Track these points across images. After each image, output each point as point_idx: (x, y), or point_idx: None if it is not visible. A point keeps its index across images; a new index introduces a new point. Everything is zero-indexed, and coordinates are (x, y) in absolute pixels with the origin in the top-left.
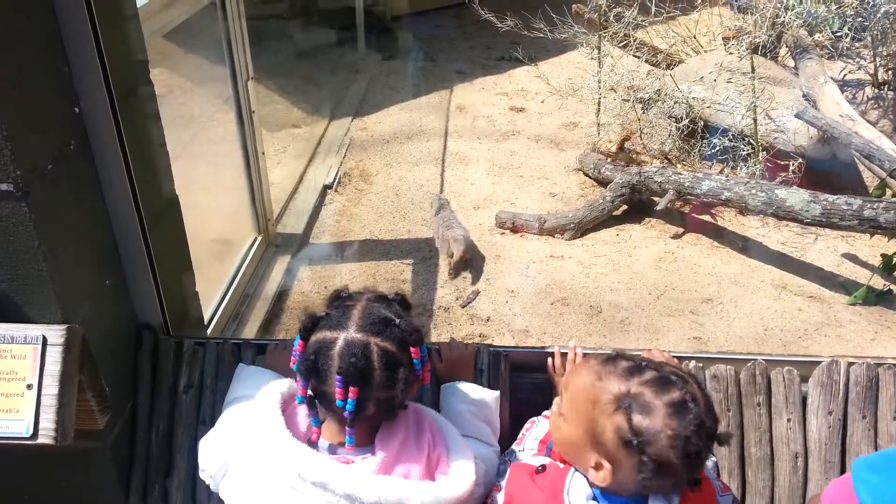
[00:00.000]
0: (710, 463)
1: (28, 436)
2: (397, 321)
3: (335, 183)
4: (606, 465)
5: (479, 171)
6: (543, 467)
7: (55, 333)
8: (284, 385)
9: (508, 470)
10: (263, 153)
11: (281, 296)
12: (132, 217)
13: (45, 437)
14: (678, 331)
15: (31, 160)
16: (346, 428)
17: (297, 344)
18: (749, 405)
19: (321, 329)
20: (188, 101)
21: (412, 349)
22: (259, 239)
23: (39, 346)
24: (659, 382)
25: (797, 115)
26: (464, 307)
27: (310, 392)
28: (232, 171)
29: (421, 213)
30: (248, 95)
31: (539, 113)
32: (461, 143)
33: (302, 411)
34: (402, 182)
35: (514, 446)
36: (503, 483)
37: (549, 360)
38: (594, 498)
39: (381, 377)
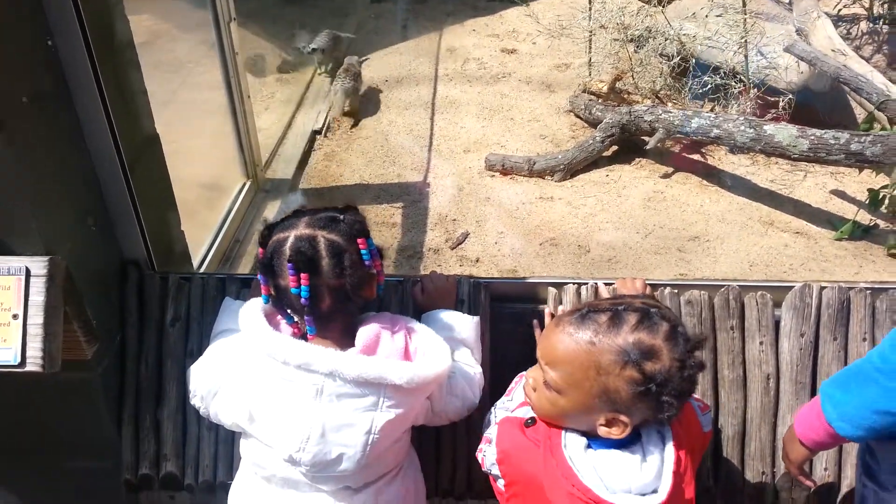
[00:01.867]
0: None
1: (16, 363)
2: (342, 217)
3: (324, 128)
4: (623, 418)
5: (469, 114)
6: (533, 419)
7: (38, 265)
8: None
9: (496, 426)
10: (249, 97)
11: None
12: (112, 153)
13: (33, 365)
14: (665, 268)
15: (6, 92)
16: (305, 317)
17: (258, 251)
18: (722, 328)
19: (275, 232)
20: (175, 47)
21: (359, 240)
22: (248, 184)
23: (23, 278)
24: (645, 322)
25: (786, 49)
26: (453, 248)
27: (272, 291)
28: (219, 115)
29: (411, 158)
30: (231, 37)
31: (530, 54)
32: (451, 87)
33: (284, 325)
34: (391, 126)
35: (504, 397)
36: (492, 436)
37: (536, 321)
38: (589, 446)
39: (329, 264)
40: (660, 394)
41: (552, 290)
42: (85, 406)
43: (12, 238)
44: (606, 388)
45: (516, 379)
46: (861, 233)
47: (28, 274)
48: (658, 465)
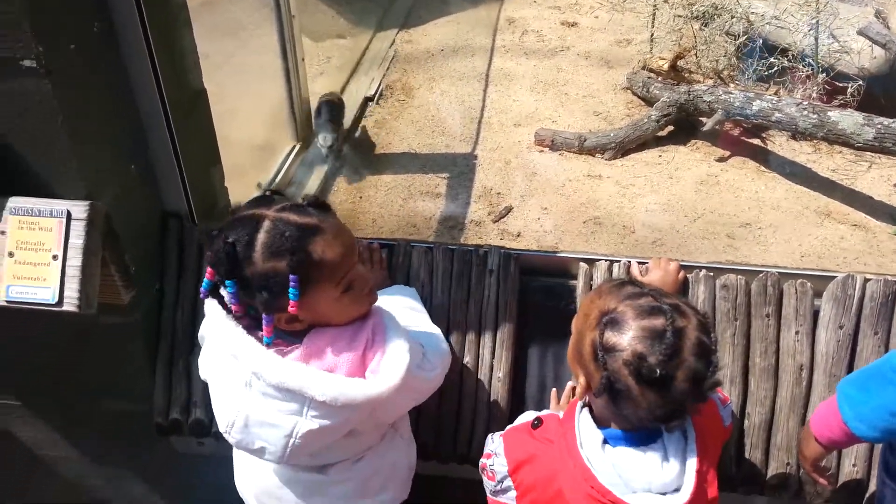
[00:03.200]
0: None
1: (53, 302)
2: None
3: (377, 95)
4: (582, 379)
5: (523, 87)
6: (539, 420)
7: (79, 209)
8: None
9: (500, 440)
10: (304, 60)
11: None
12: (157, 105)
13: (70, 305)
14: (711, 253)
15: (53, 38)
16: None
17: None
18: (758, 315)
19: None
20: (232, 9)
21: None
22: (298, 147)
23: (64, 220)
24: (647, 308)
25: (860, 32)
26: (495, 222)
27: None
28: (273, 79)
29: (461, 130)
30: (287, 0)
31: (591, 28)
32: (507, 59)
33: None
34: (443, 97)
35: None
36: (499, 450)
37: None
38: (606, 441)
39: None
40: (604, 366)
41: (583, 266)
42: (121, 349)
43: (56, 182)
44: (581, 338)
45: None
46: None
47: (69, 217)
48: (680, 463)
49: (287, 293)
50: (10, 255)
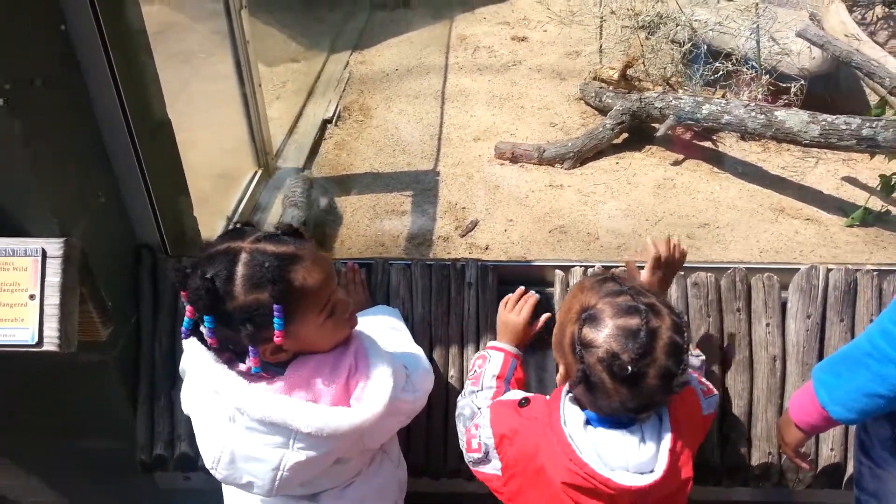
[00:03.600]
0: (696, 361)
1: (33, 343)
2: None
3: (335, 117)
4: (562, 368)
5: (479, 102)
6: (527, 400)
7: (54, 246)
8: None
9: (487, 411)
10: (260, 85)
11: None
12: (124, 136)
13: (50, 345)
14: None
15: (18, 74)
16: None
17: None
18: (729, 310)
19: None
20: (187, 36)
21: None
22: (259, 172)
23: (39, 258)
24: (624, 307)
25: (798, 34)
26: (463, 236)
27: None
28: (231, 105)
29: (421, 147)
30: (241, 25)
31: (541, 42)
32: (462, 75)
33: None
34: (401, 116)
35: (471, 386)
36: (483, 422)
37: (507, 297)
38: (588, 422)
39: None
40: (581, 360)
41: (559, 273)
42: (101, 387)
43: (28, 219)
44: (563, 330)
45: (478, 362)
46: (872, 219)
47: (44, 255)
48: (655, 445)
49: (271, 324)
50: None
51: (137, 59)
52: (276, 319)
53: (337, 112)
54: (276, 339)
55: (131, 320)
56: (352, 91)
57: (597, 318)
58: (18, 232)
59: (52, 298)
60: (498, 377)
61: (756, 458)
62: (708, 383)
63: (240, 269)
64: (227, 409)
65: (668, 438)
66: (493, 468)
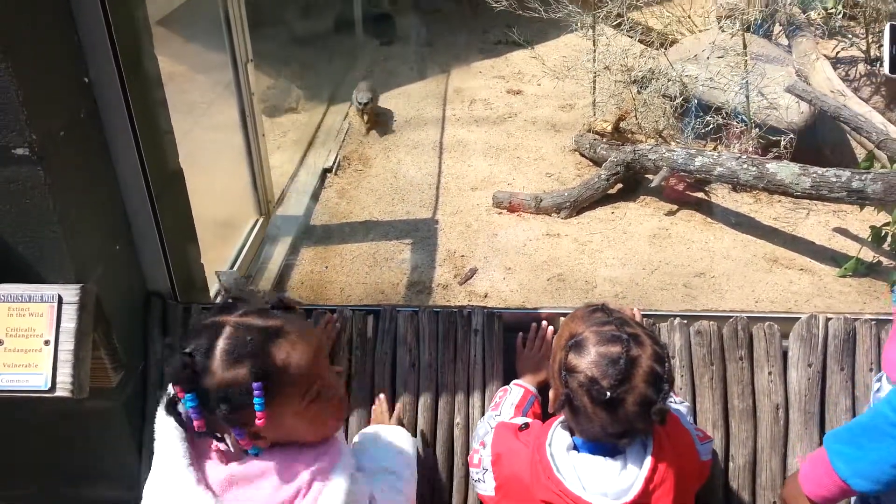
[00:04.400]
0: (683, 409)
1: (46, 388)
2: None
3: (335, 167)
4: (552, 392)
5: (476, 153)
6: (527, 425)
7: (70, 292)
8: None
9: (493, 430)
10: (264, 135)
11: (283, 276)
12: (140, 185)
13: (63, 391)
14: (671, 303)
15: (45, 126)
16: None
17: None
18: (732, 359)
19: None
20: (189, 87)
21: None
22: (261, 220)
23: (55, 305)
24: (606, 336)
25: (787, 89)
26: (462, 284)
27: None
28: (234, 153)
29: (419, 195)
30: (248, 78)
31: (536, 95)
32: (458, 127)
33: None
34: (400, 165)
35: (491, 411)
36: (488, 441)
37: (520, 336)
38: (574, 447)
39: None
40: (566, 384)
41: (564, 321)
42: (107, 434)
43: (45, 266)
44: (554, 356)
45: (500, 393)
46: (865, 269)
47: (60, 301)
48: (636, 473)
49: (250, 405)
50: (0, 342)
51: (155, 110)
52: (256, 399)
53: (337, 161)
54: (258, 421)
55: (139, 367)
56: (351, 141)
57: (582, 345)
58: (36, 277)
59: (67, 344)
60: (516, 406)
61: None
62: (702, 429)
63: (220, 343)
64: None
65: (646, 468)
66: (489, 488)
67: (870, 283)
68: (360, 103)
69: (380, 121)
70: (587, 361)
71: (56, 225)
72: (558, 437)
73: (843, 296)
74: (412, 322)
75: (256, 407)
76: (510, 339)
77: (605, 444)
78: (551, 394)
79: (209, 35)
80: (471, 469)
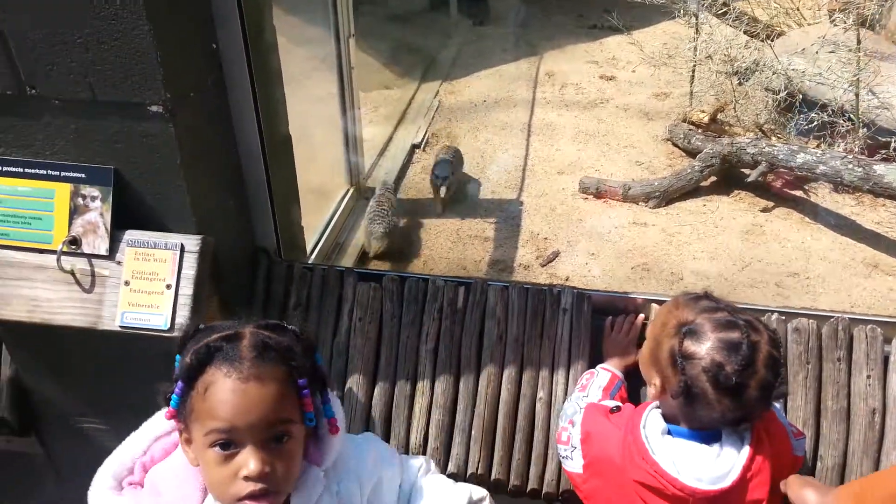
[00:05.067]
0: (777, 405)
1: (166, 328)
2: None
3: (423, 143)
4: (657, 381)
5: (564, 137)
6: (618, 408)
7: (192, 242)
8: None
9: (583, 410)
10: (360, 109)
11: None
12: (256, 146)
13: (180, 331)
14: (761, 302)
15: (178, 87)
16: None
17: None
18: (829, 359)
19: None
20: (287, 59)
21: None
22: (351, 191)
23: (178, 252)
24: (724, 322)
25: None
26: (543, 265)
27: None
28: (329, 125)
29: (505, 176)
30: (348, 52)
31: (629, 82)
32: (548, 110)
33: None
34: (487, 145)
35: (578, 392)
36: (577, 420)
37: (609, 319)
38: (668, 432)
39: None
40: (683, 371)
41: (655, 307)
42: None
43: (168, 216)
44: (658, 345)
45: (587, 375)
46: None
47: (183, 250)
48: (732, 461)
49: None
50: (126, 283)
51: (272, 79)
52: (173, 395)
53: (425, 138)
54: (165, 414)
55: (242, 317)
56: (440, 119)
57: (698, 332)
58: (160, 227)
59: (186, 289)
60: (604, 389)
61: None
62: (795, 426)
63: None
64: None
65: (745, 454)
66: (577, 466)
67: None
68: (437, 177)
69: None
70: (708, 347)
71: (181, 179)
72: (653, 421)
73: None
74: (502, 296)
75: (171, 403)
76: (597, 322)
77: (702, 433)
78: (656, 383)
79: (312, 8)
80: (559, 446)
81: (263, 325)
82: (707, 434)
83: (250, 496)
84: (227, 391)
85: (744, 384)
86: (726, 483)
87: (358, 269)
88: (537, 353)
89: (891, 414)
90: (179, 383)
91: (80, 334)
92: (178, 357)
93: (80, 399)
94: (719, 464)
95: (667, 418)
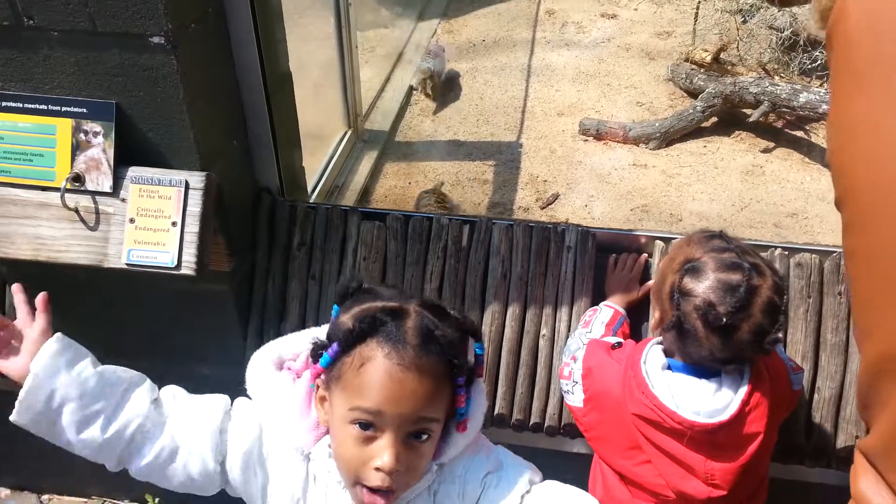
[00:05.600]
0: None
1: (173, 266)
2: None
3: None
4: (657, 313)
5: (564, 77)
6: (620, 344)
7: (196, 179)
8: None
9: (585, 346)
10: (357, 47)
11: (368, 188)
12: (258, 84)
13: (187, 269)
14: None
15: (179, 17)
16: None
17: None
18: (830, 293)
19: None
20: None
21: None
22: (349, 133)
23: (182, 189)
24: (727, 263)
25: None
26: (543, 208)
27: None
28: (326, 64)
29: (505, 118)
30: None
31: (631, 21)
32: (548, 50)
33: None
34: (486, 86)
35: (581, 328)
36: (580, 355)
37: (612, 257)
38: (668, 367)
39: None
40: (678, 307)
41: (659, 244)
42: (219, 316)
43: (172, 153)
44: (663, 278)
45: (589, 312)
46: None
47: (187, 186)
48: (731, 396)
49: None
50: (132, 220)
51: (273, 12)
52: (325, 354)
53: (423, 79)
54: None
55: (247, 257)
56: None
57: (699, 269)
58: (163, 164)
59: (192, 227)
60: (606, 325)
61: (842, 441)
62: (794, 360)
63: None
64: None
65: (744, 391)
66: (578, 400)
67: None
68: (419, 70)
69: (445, 92)
70: (705, 286)
71: (185, 114)
72: (653, 356)
73: None
74: (507, 234)
75: (321, 361)
76: (601, 259)
77: (702, 368)
78: (656, 315)
79: None
80: (561, 381)
81: (428, 306)
82: (706, 369)
83: (372, 489)
84: (384, 373)
85: (734, 326)
86: (724, 416)
87: (362, 207)
88: (541, 290)
89: None
90: (335, 346)
91: (86, 272)
92: (335, 308)
93: (86, 340)
94: (717, 398)
95: (666, 353)
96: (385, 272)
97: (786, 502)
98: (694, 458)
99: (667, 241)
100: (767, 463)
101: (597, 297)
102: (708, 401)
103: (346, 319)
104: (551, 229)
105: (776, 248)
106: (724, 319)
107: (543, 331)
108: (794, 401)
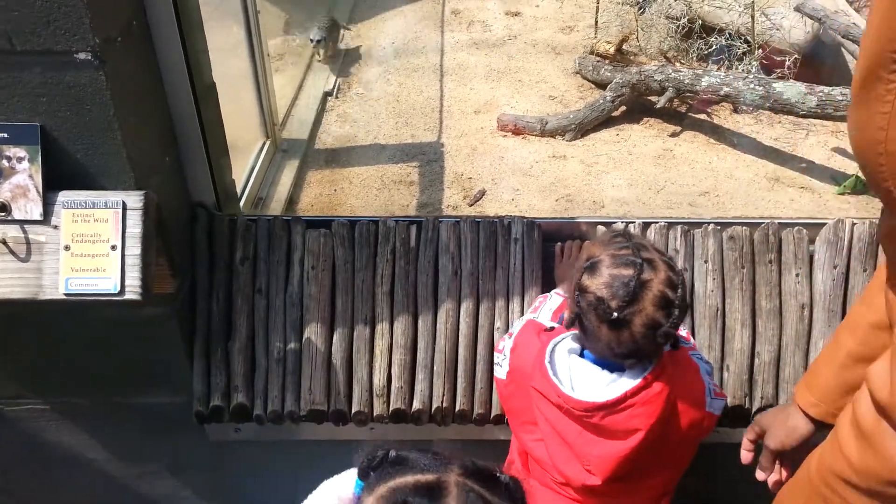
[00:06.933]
0: (707, 366)
1: (116, 292)
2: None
3: (335, 90)
4: (567, 310)
5: (477, 76)
6: (552, 328)
7: (134, 198)
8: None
9: (524, 322)
10: (268, 55)
11: (293, 198)
12: (188, 96)
13: (132, 293)
14: None
15: (105, 31)
16: None
17: None
18: (761, 262)
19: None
20: None
21: None
22: (267, 143)
23: (120, 210)
24: (622, 260)
25: (797, 8)
26: (471, 205)
27: None
28: (240, 74)
29: (423, 119)
30: None
31: (535, 17)
32: (458, 50)
33: None
34: (401, 88)
35: (530, 313)
36: (515, 331)
37: (558, 245)
38: (579, 354)
39: None
40: (577, 303)
41: (601, 228)
42: (160, 340)
43: (105, 174)
44: (570, 277)
45: (540, 299)
46: (862, 186)
47: (125, 207)
48: (624, 388)
49: None
50: (67, 248)
51: (194, 22)
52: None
53: (336, 85)
54: None
55: (188, 276)
56: (349, 64)
57: (596, 267)
58: (96, 186)
59: (133, 249)
60: (554, 312)
61: (783, 400)
62: (718, 386)
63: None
64: None
65: (635, 383)
66: (503, 372)
67: (867, 200)
68: (312, 41)
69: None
70: (598, 283)
71: (117, 132)
72: (566, 342)
73: (841, 212)
74: (454, 231)
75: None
76: (548, 248)
77: (608, 362)
78: (566, 312)
79: None
80: (495, 354)
81: (472, 473)
82: (613, 364)
83: None
84: None
85: (626, 320)
86: (600, 400)
87: (306, 216)
88: (492, 284)
89: (817, 307)
90: None
91: (21, 307)
92: (358, 483)
93: (19, 379)
94: (612, 388)
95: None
96: (335, 280)
97: (735, 464)
98: (576, 439)
99: (607, 225)
100: (671, 481)
101: (547, 285)
102: (601, 388)
103: (369, 501)
104: (497, 223)
105: (709, 223)
106: (615, 314)
107: (498, 323)
108: (707, 424)
